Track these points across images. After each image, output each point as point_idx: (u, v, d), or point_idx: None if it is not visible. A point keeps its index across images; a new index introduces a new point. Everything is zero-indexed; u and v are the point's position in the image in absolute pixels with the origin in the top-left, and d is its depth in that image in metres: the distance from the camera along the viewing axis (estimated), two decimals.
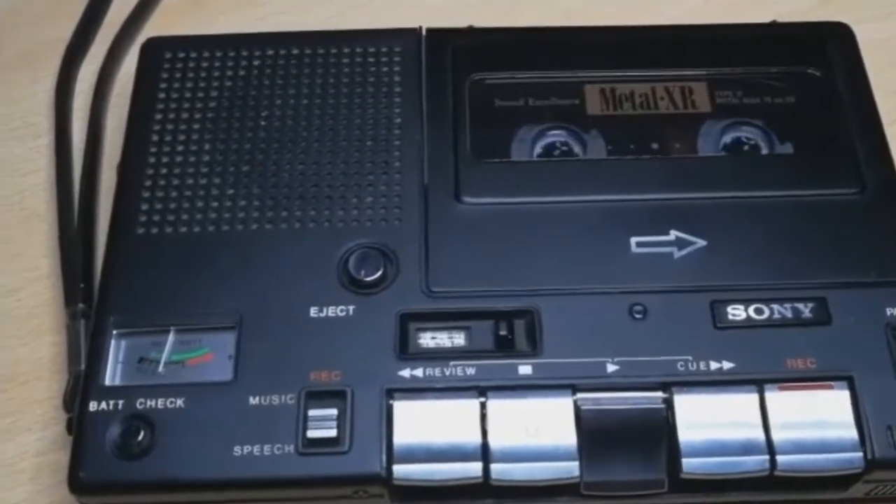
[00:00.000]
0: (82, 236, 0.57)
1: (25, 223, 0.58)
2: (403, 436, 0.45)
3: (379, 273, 0.49)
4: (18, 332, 0.54)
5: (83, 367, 0.49)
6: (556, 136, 0.54)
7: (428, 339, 0.49)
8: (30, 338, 0.54)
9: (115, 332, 0.49)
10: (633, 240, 0.50)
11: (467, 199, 0.52)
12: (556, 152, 0.54)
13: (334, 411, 0.46)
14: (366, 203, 0.52)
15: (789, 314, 0.48)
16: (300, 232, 0.51)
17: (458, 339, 0.49)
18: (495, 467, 0.45)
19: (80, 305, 0.54)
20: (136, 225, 0.51)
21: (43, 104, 0.62)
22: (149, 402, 0.47)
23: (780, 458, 0.44)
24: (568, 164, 0.53)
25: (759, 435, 0.45)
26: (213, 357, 0.48)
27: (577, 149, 0.54)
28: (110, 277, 0.50)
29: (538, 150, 0.54)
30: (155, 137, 0.54)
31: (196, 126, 0.55)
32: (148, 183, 0.53)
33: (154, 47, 0.57)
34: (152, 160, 0.53)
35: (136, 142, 0.54)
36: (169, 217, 0.52)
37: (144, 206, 0.52)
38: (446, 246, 0.50)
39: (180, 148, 0.54)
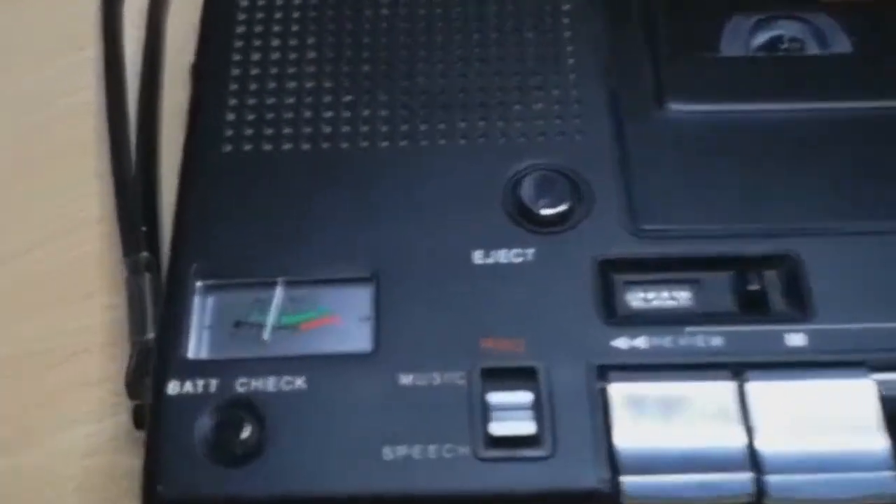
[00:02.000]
0: (142, 166, 0.41)
1: (66, 154, 0.43)
2: (629, 434, 0.30)
3: (564, 204, 0.33)
4: (59, 292, 0.39)
5: (151, 335, 0.36)
6: (782, 27, 0.37)
7: (639, 298, 0.32)
8: (74, 299, 0.39)
9: (199, 284, 0.33)
10: None
11: (675, 106, 0.35)
12: (784, 46, 0.36)
13: (528, 396, 0.29)
14: (535, 111, 0.35)
15: None
16: (450, 151, 0.36)
17: (685, 298, 0.32)
18: (773, 480, 0.28)
19: (144, 254, 0.38)
20: (221, 141, 0.36)
21: (87, 8, 0.46)
22: (254, 383, 0.31)
23: None
24: (808, 61, 0.37)
25: None
26: (340, 320, 0.33)
27: (811, 43, 0.37)
28: (190, 211, 0.34)
29: (757, 45, 0.37)
30: (241, 28, 0.39)
31: (296, 14, 0.39)
32: (235, 86, 0.37)
33: None
34: (238, 57, 0.38)
35: (216, 32, 0.38)
36: (266, 130, 0.36)
37: (231, 116, 0.36)
38: (653, 167, 0.35)
39: (276, 42, 0.38)
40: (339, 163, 0.35)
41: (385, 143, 0.36)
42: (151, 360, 0.33)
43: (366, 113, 0.36)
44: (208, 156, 0.35)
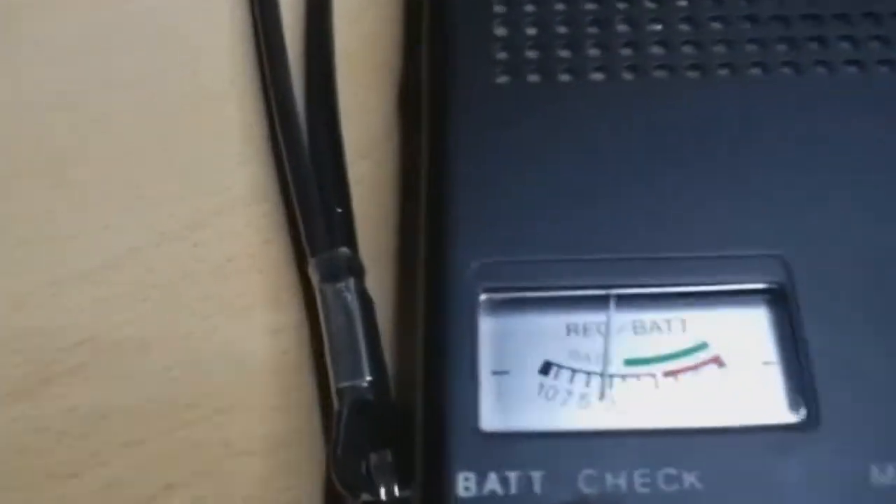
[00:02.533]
0: (320, 118, 0.27)
1: (198, 107, 0.29)
2: None
3: None
4: (194, 311, 0.26)
5: (368, 378, 0.22)
6: None
7: None
8: (219, 319, 0.26)
9: (483, 297, 0.18)
10: None
11: None
12: None
13: None
14: None
15: None
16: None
17: None
18: None
19: (344, 250, 0.24)
20: (491, 67, 0.21)
21: None
22: (610, 480, 0.18)
23: None
24: None
25: None
26: (725, 362, 0.20)
27: None
28: (460, 179, 0.19)
29: None
30: None
31: None
32: None
33: None
34: None
35: None
36: (562, 51, 0.20)
37: (503, 30, 0.21)
38: None
39: None
40: (697, 99, 0.21)
41: (757, 72, 0.21)
42: (375, 419, 0.22)
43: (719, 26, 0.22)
44: (477, 91, 0.21)
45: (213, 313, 0.26)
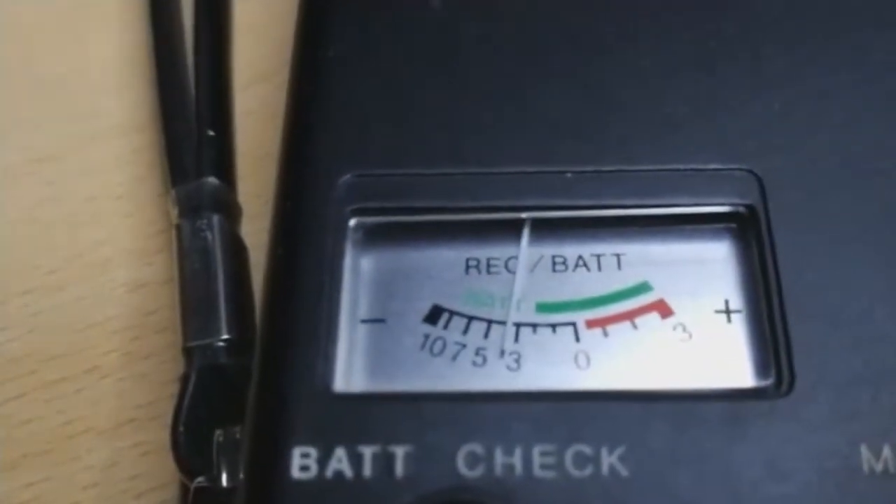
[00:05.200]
0: (206, 32, 0.25)
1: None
2: None
3: None
4: (38, 263, 0.23)
5: (224, 335, 0.19)
6: None
7: None
8: (72, 271, 0.23)
9: (353, 222, 0.15)
10: None
11: None
12: None
13: None
14: None
15: None
16: None
17: None
18: None
19: (210, 179, 0.22)
20: None
21: None
22: (499, 459, 0.14)
23: None
24: None
25: None
26: (672, 308, 0.16)
27: None
28: (328, 72, 0.16)
29: None
30: None
31: None
32: None
33: None
34: None
35: None
36: None
37: None
38: None
39: None
40: None
41: None
42: (229, 388, 0.18)
43: None
44: None
45: (62, 266, 0.23)
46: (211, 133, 0.23)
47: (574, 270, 0.17)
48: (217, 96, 0.24)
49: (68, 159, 0.25)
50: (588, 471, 0.14)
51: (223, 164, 0.23)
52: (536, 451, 0.14)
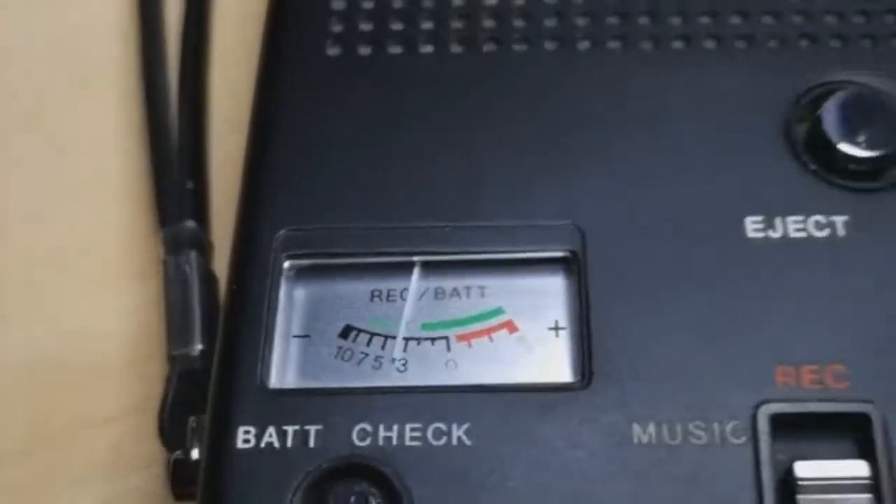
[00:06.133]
0: (188, 96, 0.32)
1: (76, 82, 0.33)
2: None
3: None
4: (63, 282, 0.30)
5: (200, 346, 0.26)
6: None
7: None
8: (82, 293, 0.30)
9: (287, 264, 0.23)
10: None
11: None
12: None
13: (861, 467, 0.18)
14: None
15: None
16: (690, 58, 0.26)
17: None
18: None
19: (189, 224, 0.29)
20: (325, 40, 0.26)
21: None
22: (382, 434, 0.21)
23: None
24: None
25: None
26: (516, 326, 0.23)
27: None
28: (273, 147, 0.24)
29: None
30: None
31: None
32: None
33: None
34: None
35: None
36: (394, 23, 0.26)
37: (340, 4, 0.25)
38: None
39: None
40: (511, 75, 0.25)
41: (585, 45, 0.26)
42: (200, 386, 0.24)
43: None
44: (304, 63, 0.26)
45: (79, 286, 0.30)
46: (190, 185, 0.30)
47: (450, 299, 0.24)
48: (195, 155, 0.31)
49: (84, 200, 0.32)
50: (443, 441, 0.21)
51: (199, 210, 0.30)
52: (408, 427, 0.21)
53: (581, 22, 0.26)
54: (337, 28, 0.27)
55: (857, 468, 0.21)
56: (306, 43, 0.26)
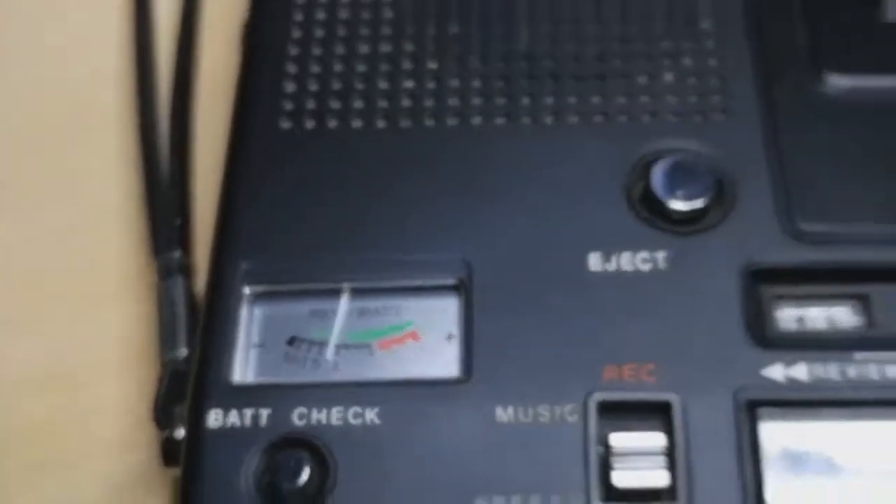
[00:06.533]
0: (174, 147, 0.39)
1: (84, 128, 0.41)
2: (784, 487, 0.27)
3: (705, 197, 0.30)
4: (72, 298, 0.37)
5: (185, 351, 0.34)
6: None
7: (794, 315, 0.29)
8: (89, 308, 0.37)
9: (247, 291, 0.30)
10: None
11: (835, 78, 0.32)
12: None
13: (659, 438, 0.26)
14: (665, 84, 0.32)
15: None
16: (561, 131, 0.33)
17: (847, 316, 0.29)
18: None
19: (176, 254, 0.36)
20: (279, 116, 0.34)
21: None
22: (315, 416, 0.29)
23: None
24: None
25: None
26: (421, 337, 0.30)
27: None
28: (238, 199, 0.31)
29: None
30: None
31: None
32: (296, 50, 0.35)
33: None
34: (300, 16, 0.35)
35: None
36: (333, 104, 0.34)
37: (291, 87, 0.34)
38: (814, 153, 0.32)
39: None
40: (422, 144, 0.33)
41: (478, 120, 0.33)
42: (185, 383, 0.31)
43: (455, 83, 0.34)
44: (263, 134, 0.33)
45: (80, 302, 0.37)
46: (177, 221, 0.37)
47: (371, 316, 0.31)
48: (182, 197, 0.38)
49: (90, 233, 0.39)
50: (359, 421, 0.29)
51: (185, 242, 0.37)
52: (334, 410, 0.29)
53: (476, 101, 0.34)
54: (288, 106, 0.34)
55: (657, 439, 0.28)
56: (262, 119, 0.34)
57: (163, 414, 0.32)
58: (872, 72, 0.34)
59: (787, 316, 0.30)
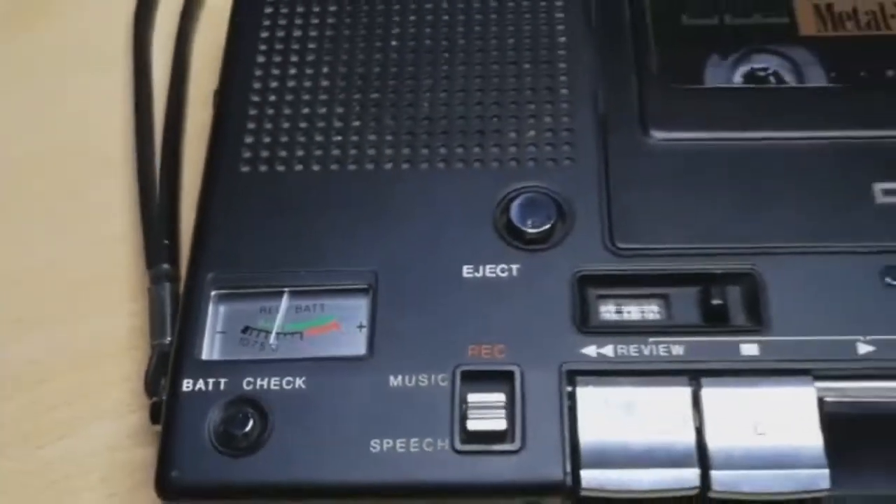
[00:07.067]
0: (167, 185, 0.48)
1: (96, 172, 0.51)
2: (592, 432, 0.36)
3: (548, 224, 0.40)
4: (88, 301, 0.48)
5: (169, 339, 0.43)
6: (761, 60, 0.45)
7: (612, 309, 0.39)
8: (102, 308, 0.47)
9: (213, 293, 0.40)
10: (878, 187, 0.41)
11: (657, 134, 0.43)
12: (763, 78, 0.44)
13: (501, 396, 0.37)
14: (527, 138, 0.43)
15: None
16: (447, 174, 0.43)
17: (652, 310, 0.39)
18: (717, 475, 0.35)
19: (165, 266, 0.45)
20: (239, 162, 0.43)
21: (119, 32, 0.55)
22: (259, 382, 0.38)
23: None
24: (783, 92, 0.44)
25: None
26: (339, 327, 0.40)
27: (788, 76, 0.44)
28: (208, 226, 0.42)
29: (738, 77, 0.44)
30: (261, 59, 0.46)
31: (312, 45, 0.47)
32: (254, 111, 0.44)
33: None
34: (258, 85, 0.45)
35: (237, 63, 0.46)
36: (281, 152, 0.43)
37: (250, 140, 0.44)
38: (634, 191, 0.42)
39: (293, 70, 0.46)
40: (346, 183, 0.43)
41: (388, 166, 0.43)
42: (168, 361, 0.39)
43: (372, 137, 0.44)
44: (227, 176, 0.43)
45: (94, 302, 0.48)
46: (166, 242, 0.48)
47: (304, 311, 0.42)
48: (171, 223, 0.49)
49: (100, 249, 0.50)
50: (291, 387, 0.39)
51: (174, 257, 0.48)
52: (273, 380, 0.39)
53: (387, 151, 0.44)
54: (246, 155, 0.45)
55: (500, 397, 0.38)
56: (226, 164, 0.43)
57: (152, 385, 0.42)
58: (685, 128, 0.44)
59: (607, 311, 0.40)
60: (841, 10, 0.47)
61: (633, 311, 0.40)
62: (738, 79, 0.45)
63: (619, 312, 0.40)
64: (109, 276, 0.48)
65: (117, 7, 0.55)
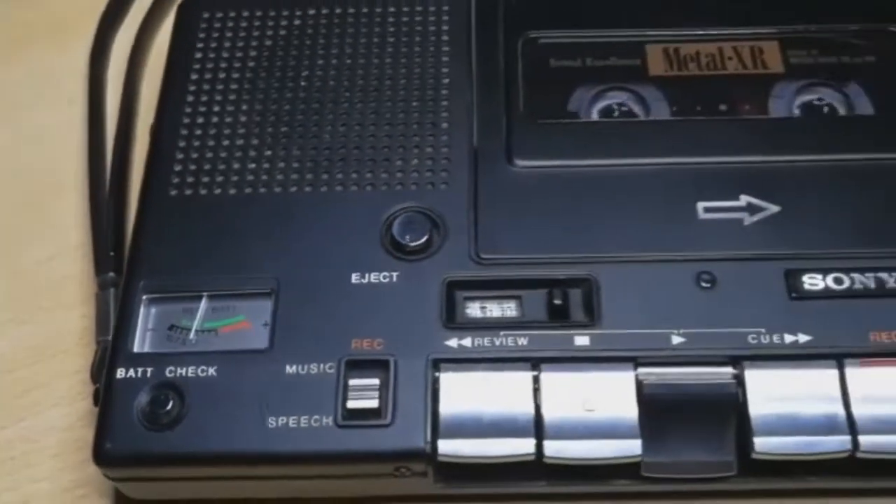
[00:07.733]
0: (114, 205, 0.55)
1: (57, 193, 0.57)
2: (450, 409, 0.43)
3: (424, 238, 0.47)
4: (47, 303, 0.53)
5: (111, 336, 0.47)
6: (616, 97, 0.52)
7: (476, 309, 0.46)
8: (59, 310, 0.53)
9: (144, 297, 0.47)
10: (701, 205, 0.48)
11: (519, 162, 0.50)
12: (616, 114, 0.51)
13: (376, 381, 0.44)
14: (412, 166, 0.50)
15: (872, 284, 0.45)
16: (342, 195, 0.49)
17: (509, 309, 0.46)
18: (549, 444, 0.42)
19: (111, 274, 0.52)
20: (168, 187, 0.50)
21: (77, 71, 0.61)
22: (179, 371, 0.45)
23: (862, 439, 0.41)
24: (628, 125, 0.51)
25: (840, 412, 0.42)
26: (248, 325, 0.47)
27: (638, 110, 0.51)
28: (141, 241, 0.48)
29: (595, 113, 0.51)
30: (190, 98, 0.53)
31: (233, 86, 0.53)
32: (182, 143, 0.51)
33: (191, 6, 0.56)
34: (186, 121, 0.52)
35: (170, 102, 0.53)
36: (203, 178, 0.50)
37: (178, 168, 0.50)
38: (497, 211, 0.48)
39: (216, 108, 0.52)
40: (257, 204, 0.50)
41: (293, 189, 0.50)
42: (108, 354, 0.46)
43: (281, 165, 0.51)
44: (158, 198, 0.50)
45: (52, 304, 0.55)
46: (112, 253, 0.55)
47: (219, 311, 0.48)
48: (117, 237, 0.56)
49: (63, 259, 0.57)
50: (206, 374, 0.46)
51: (119, 266, 0.54)
52: (190, 368, 0.46)
53: (294, 176, 0.52)
54: (175, 180, 0.52)
55: (374, 381, 0.45)
56: (157, 188, 0.50)
57: (97, 374, 0.47)
58: (543, 157, 0.51)
59: (471, 310, 0.48)
60: (686, 53, 0.54)
61: (495, 310, 0.47)
62: (594, 114, 0.52)
63: (482, 310, 0.47)
64: (65, 282, 0.53)
65: (74, 48, 0.62)
